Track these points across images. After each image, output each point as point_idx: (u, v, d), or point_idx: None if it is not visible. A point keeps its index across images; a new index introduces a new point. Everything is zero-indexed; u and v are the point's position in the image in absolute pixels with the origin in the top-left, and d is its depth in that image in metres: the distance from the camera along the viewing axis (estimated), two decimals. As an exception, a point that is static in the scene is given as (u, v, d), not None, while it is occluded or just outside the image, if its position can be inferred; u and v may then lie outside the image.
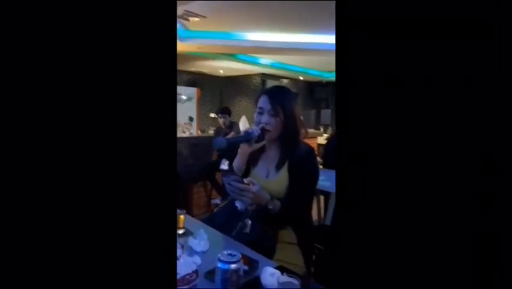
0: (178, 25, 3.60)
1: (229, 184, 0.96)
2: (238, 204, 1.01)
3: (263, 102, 1.07)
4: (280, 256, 1.02)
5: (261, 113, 1.07)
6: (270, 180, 1.10)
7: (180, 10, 2.98)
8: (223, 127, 3.67)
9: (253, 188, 0.94)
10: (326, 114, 7.29)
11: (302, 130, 1.11)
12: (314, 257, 1.25)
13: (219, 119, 3.73)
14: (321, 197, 2.67)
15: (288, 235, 1.08)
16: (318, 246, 1.49)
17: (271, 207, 0.98)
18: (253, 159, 1.14)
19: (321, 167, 2.58)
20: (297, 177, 1.06)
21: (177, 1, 2.60)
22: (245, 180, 0.95)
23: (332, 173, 2.44)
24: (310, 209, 1.22)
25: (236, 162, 1.11)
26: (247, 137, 1.01)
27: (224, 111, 3.71)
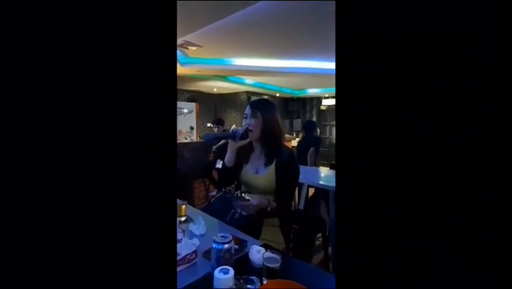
0: (179, 52, 3.53)
1: (236, 202, 0.98)
2: (244, 212, 1.02)
3: (247, 109, 1.10)
4: (265, 236, 0.99)
5: (245, 118, 1.09)
6: (259, 175, 1.08)
7: (180, 40, 2.93)
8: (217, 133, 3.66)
9: (254, 202, 0.95)
10: (297, 123, 7.36)
11: (281, 133, 1.11)
12: (291, 235, 1.24)
13: (214, 128, 3.71)
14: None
15: (271, 219, 1.05)
16: (294, 226, 1.47)
17: (269, 209, 0.98)
18: (244, 158, 1.13)
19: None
20: (283, 174, 1.05)
21: (179, 32, 2.54)
22: (246, 197, 0.96)
23: (303, 168, 2.47)
24: (291, 200, 1.22)
25: (227, 157, 1.10)
26: (231, 134, 1.04)
27: (218, 122, 3.70)
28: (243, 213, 1.00)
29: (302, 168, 2.46)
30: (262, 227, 1.02)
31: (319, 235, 1.75)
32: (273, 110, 1.09)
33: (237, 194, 0.99)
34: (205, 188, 3.57)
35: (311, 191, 2.47)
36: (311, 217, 1.95)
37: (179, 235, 0.70)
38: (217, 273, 0.41)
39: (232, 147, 1.08)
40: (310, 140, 2.87)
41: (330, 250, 1.76)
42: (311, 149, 2.75)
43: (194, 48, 3.24)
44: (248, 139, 1.06)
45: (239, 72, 4.56)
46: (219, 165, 3.29)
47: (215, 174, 3.42)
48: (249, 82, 5.57)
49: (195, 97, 6.29)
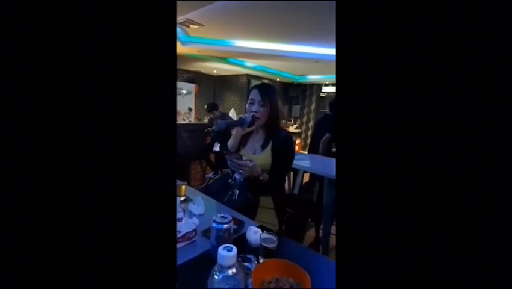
0: (180, 31, 3.41)
1: (231, 161, 0.97)
2: (237, 176, 1.02)
3: (254, 94, 1.06)
4: (260, 217, 1.03)
5: (252, 103, 1.06)
6: (256, 156, 1.09)
7: (182, 18, 2.82)
8: (213, 117, 3.64)
9: (250, 164, 0.95)
10: (296, 109, 7.31)
11: (282, 119, 1.11)
12: (285, 218, 1.28)
13: (210, 115, 3.66)
14: (291, 173, 2.72)
15: (265, 201, 1.09)
16: (289, 210, 1.52)
17: (262, 178, 1.00)
18: (243, 142, 1.14)
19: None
20: (279, 156, 1.06)
21: (181, 10, 2.43)
22: (243, 158, 0.96)
23: (317, 158, 2.43)
24: (284, 181, 1.24)
25: (230, 142, 1.11)
26: (240, 122, 1.02)
27: (213, 107, 3.63)
28: (237, 177, 1.01)
29: (316, 157, 2.38)
30: (258, 210, 1.05)
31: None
32: (278, 96, 1.09)
33: (234, 155, 0.98)
34: (202, 170, 3.60)
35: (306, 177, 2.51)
36: (304, 201, 2.00)
37: (180, 214, 0.72)
38: (221, 250, 0.43)
39: (237, 133, 1.08)
40: (332, 123, 2.37)
41: (321, 233, 1.83)
42: (327, 135, 2.33)
43: (196, 27, 3.14)
44: (253, 127, 1.06)
45: (240, 54, 4.45)
46: (217, 148, 3.27)
47: (212, 156, 3.44)
48: (250, 65, 5.45)
49: (194, 78, 6.16)
